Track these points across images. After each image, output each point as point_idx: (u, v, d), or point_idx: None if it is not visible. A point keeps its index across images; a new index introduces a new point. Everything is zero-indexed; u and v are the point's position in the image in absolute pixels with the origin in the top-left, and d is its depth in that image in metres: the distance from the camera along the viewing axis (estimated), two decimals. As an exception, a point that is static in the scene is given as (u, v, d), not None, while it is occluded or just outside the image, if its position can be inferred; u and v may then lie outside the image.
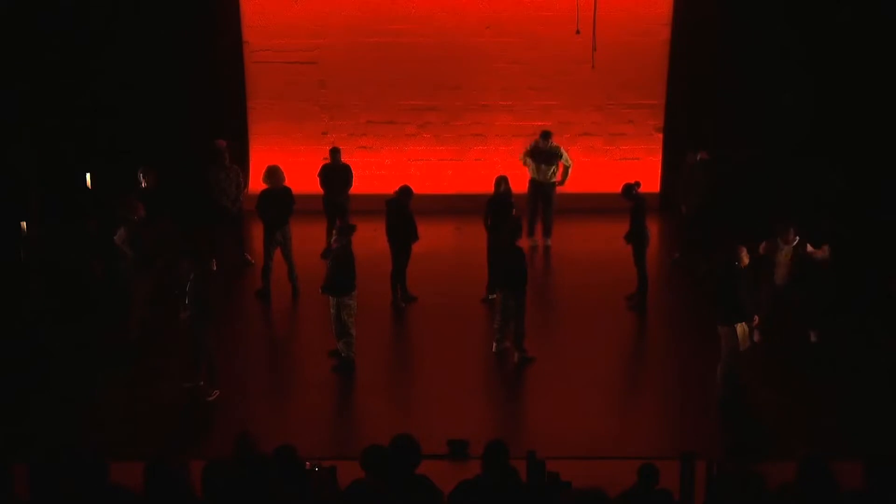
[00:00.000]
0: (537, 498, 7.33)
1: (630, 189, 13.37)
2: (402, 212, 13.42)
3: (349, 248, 11.78)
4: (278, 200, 13.80)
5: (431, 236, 14.60)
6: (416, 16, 16.68)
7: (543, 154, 15.42)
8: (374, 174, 16.75)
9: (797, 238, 11.96)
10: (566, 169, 15.58)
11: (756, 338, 11.76)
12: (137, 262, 12.37)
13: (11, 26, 13.70)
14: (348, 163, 15.19)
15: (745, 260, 10.87)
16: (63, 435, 10.09)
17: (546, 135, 15.43)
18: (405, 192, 13.41)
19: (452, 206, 16.48)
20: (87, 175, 15.01)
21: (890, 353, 11.86)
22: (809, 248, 12.03)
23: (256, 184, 15.73)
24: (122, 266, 12.55)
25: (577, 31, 14.16)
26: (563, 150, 15.54)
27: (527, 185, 15.47)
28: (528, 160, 15.44)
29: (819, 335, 12.19)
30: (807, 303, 12.20)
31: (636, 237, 13.42)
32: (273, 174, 13.91)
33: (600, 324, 13.19)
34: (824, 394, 11.23)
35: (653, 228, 14.07)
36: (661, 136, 17.19)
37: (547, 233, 15.62)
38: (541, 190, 15.48)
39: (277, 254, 13.87)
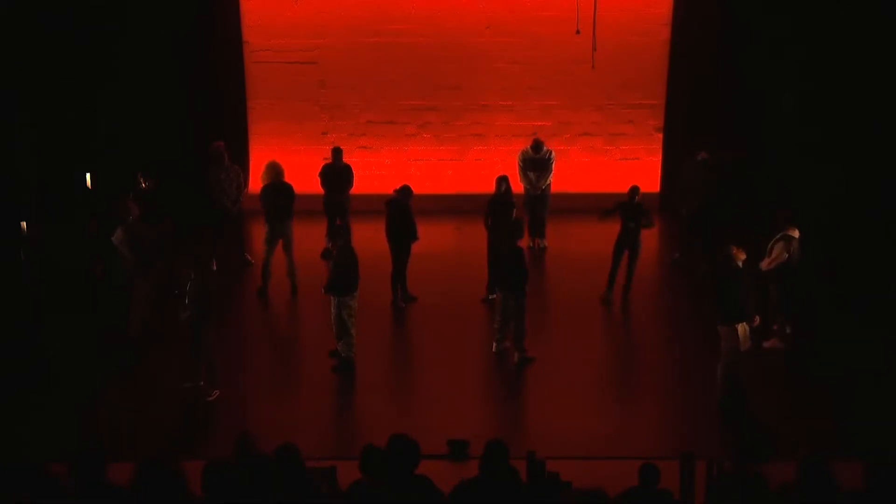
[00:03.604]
0: (537, 498, 7.33)
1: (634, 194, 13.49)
2: (402, 212, 13.42)
3: (351, 249, 11.80)
4: (281, 194, 13.86)
5: (431, 236, 14.60)
6: (416, 16, 16.68)
7: (537, 164, 15.40)
8: (374, 174, 16.74)
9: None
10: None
11: (774, 344, 11.80)
12: (137, 263, 12.37)
13: (11, 26, 13.69)
14: (348, 163, 15.20)
15: (741, 258, 10.86)
16: (63, 435, 10.09)
17: (538, 146, 15.42)
18: (405, 191, 13.42)
19: (452, 206, 16.48)
20: (87, 175, 15.00)
21: (890, 354, 11.85)
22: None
23: (257, 184, 15.76)
24: (122, 266, 12.55)
25: (577, 31, 14.18)
26: (553, 157, 15.50)
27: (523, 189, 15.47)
28: (523, 175, 15.42)
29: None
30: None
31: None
32: (274, 169, 14.02)
33: (600, 324, 13.20)
34: (824, 394, 11.23)
35: (652, 228, 14.08)
36: (661, 136, 17.19)
37: (541, 233, 15.62)
38: (536, 195, 15.48)
39: (278, 252, 13.89)
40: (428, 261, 14.35)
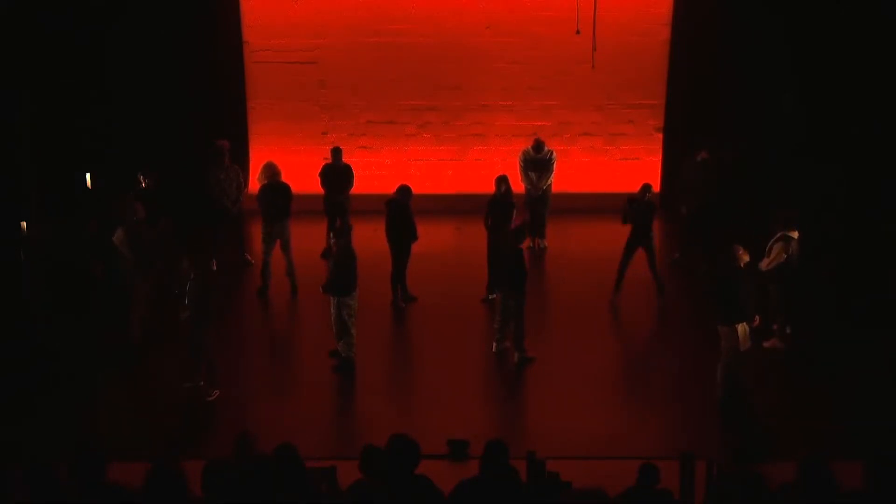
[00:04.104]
0: (537, 498, 7.33)
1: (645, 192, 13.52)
2: (402, 212, 13.42)
3: (350, 248, 11.80)
4: (279, 194, 13.86)
5: (431, 236, 14.59)
6: (416, 16, 16.68)
7: (538, 164, 15.39)
8: (374, 174, 16.74)
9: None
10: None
11: (774, 344, 11.75)
12: (137, 263, 12.37)
13: (12, 26, 13.69)
14: (348, 163, 15.19)
15: (745, 259, 10.87)
16: (63, 435, 10.08)
17: (539, 146, 15.41)
18: (405, 191, 13.42)
19: (452, 206, 16.49)
20: (87, 175, 15.01)
21: (890, 354, 11.85)
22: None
23: (256, 184, 15.76)
24: (122, 266, 12.55)
25: (577, 31, 14.18)
26: (554, 157, 15.48)
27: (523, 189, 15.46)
28: (524, 175, 15.41)
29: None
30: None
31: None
32: (271, 169, 14.02)
33: (600, 324, 13.20)
34: (824, 394, 11.23)
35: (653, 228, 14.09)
36: (661, 136, 17.19)
37: (541, 233, 15.61)
38: (537, 195, 15.47)
39: (277, 251, 13.89)
40: (428, 261, 14.35)
